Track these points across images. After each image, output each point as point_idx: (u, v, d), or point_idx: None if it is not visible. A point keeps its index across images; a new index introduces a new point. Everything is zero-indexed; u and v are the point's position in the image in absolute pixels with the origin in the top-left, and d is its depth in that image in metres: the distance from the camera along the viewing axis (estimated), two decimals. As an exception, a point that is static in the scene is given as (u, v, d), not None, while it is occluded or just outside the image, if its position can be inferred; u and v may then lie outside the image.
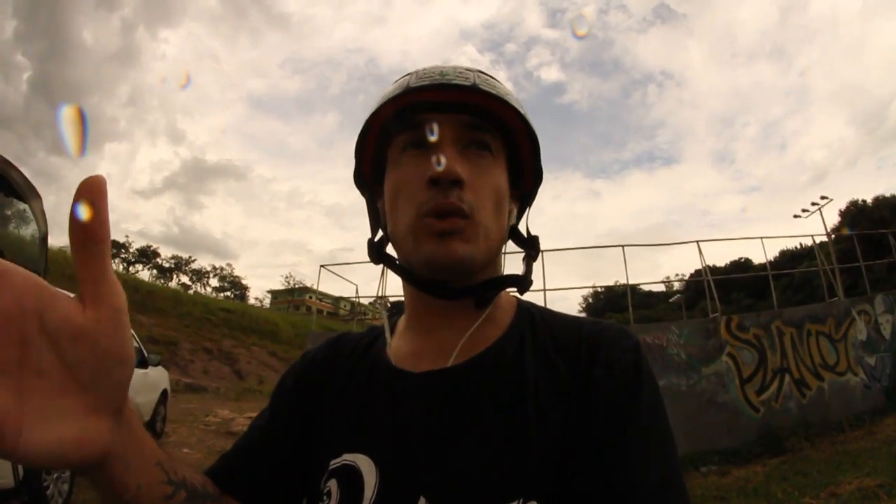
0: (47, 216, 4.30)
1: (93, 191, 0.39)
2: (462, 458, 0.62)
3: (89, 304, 0.41)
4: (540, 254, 0.81)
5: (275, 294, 74.65)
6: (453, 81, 0.68)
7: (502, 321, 0.75)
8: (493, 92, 0.69)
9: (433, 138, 0.68)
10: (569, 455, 0.60)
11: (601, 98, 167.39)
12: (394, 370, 0.73)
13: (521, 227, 0.82)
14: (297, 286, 72.54)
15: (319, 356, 0.84)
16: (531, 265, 0.78)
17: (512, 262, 0.82)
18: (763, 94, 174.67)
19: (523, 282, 0.76)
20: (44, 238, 4.31)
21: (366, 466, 0.66)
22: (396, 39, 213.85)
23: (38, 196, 4.12)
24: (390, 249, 0.78)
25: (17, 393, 0.38)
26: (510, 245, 0.81)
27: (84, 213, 0.39)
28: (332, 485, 0.67)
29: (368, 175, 0.80)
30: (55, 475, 4.60)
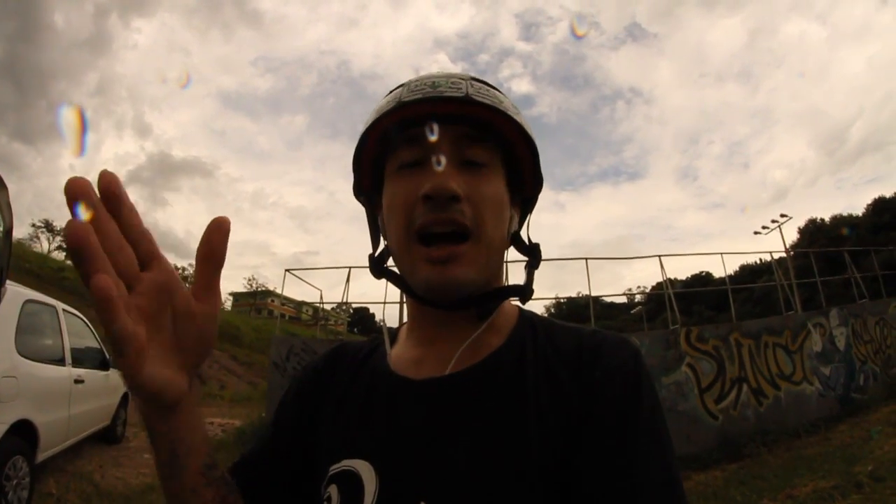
0: (12, 208, 4.18)
1: (221, 230, 0.53)
2: (462, 463, 0.62)
3: (200, 298, 0.55)
4: (541, 262, 0.80)
5: (237, 297, 73.09)
6: (446, 93, 0.68)
7: (504, 329, 0.75)
8: (487, 102, 0.69)
9: (427, 150, 0.69)
10: (569, 460, 0.60)
11: (570, 112, 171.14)
12: (394, 377, 0.74)
13: (523, 233, 0.82)
14: (259, 289, 71.32)
15: (320, 366, 0.84)
16: (533, 274, 0.78)
17: (514, 269, 0.82)
18: (729, 114, 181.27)
19: (525, 292, 0.76)
20: (8, 231, 4.14)
21: (366, 472, 0.66)
22: (369, 43, 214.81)
23: (4, 187, 3.98)
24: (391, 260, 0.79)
25: (150, 338, 0.51)
26: (512, 253, 0.82)
27: (212, 243, 0.53)
28: (333, 490, 0.67)
29: (368, 187, 0.80)
30: (14, 482, 4.48)
